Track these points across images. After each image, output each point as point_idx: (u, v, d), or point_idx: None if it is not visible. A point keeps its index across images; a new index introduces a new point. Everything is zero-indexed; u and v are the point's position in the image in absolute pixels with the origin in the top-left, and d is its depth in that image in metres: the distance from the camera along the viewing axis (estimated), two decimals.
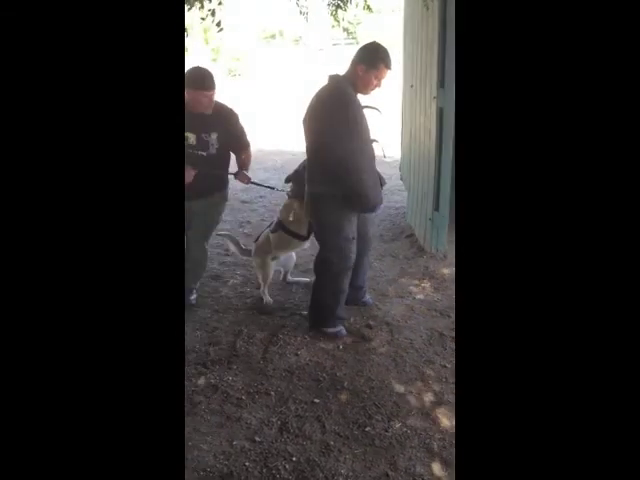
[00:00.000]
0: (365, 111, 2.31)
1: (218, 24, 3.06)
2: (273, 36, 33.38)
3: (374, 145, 2.38)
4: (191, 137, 2.53)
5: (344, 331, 2.58)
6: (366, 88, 2.29)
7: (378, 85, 2.31)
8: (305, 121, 2.35)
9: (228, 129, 2.64)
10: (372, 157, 2.33)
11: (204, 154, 2.57)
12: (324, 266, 2.47)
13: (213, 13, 3.03)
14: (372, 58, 2.24)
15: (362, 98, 2.33)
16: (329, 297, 2.52)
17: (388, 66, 2.26)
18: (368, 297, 2.87)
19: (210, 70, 2.52)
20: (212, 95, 2.49)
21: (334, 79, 2.31)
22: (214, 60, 24.58)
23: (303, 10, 3.53)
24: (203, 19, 3.04)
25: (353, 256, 2.46)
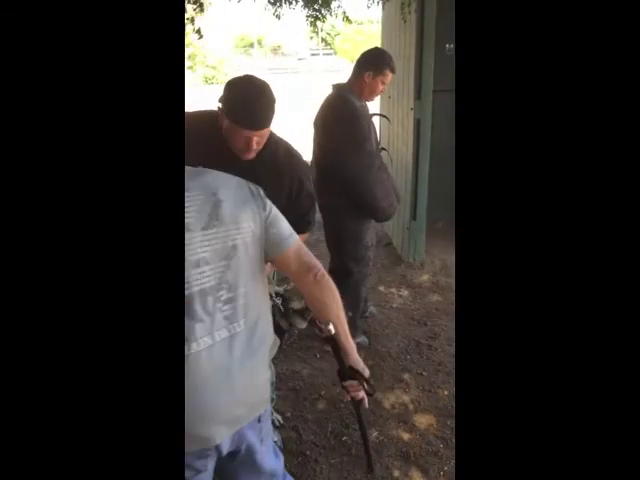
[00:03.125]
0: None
1: (198, 31, 3.03)
2: (251, 44, 33.47)
3: (383, 153, 2.37)
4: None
5: (367, 340, 2.55)
6: (373, 95, 2.28)
7: (383, 90, 2.30)
8: (316, 128, 2.32)
9: (282, 192, 1.54)
10: (382, 167, 2.29)
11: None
12: (344, 275, 2.38)
13: (192, 20, 3.01)
14: (378, 64, 2.22)
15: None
16: (350, 306, 2.48)
17: (393, 70, 2.25)
18: (372, 307, 2.87)
19: (271, 93, 1.41)
20: (264, 135, 1.43)
21: (340, 89, 2.28)
22: (190, 68, 24.47)
23: (280, 14, 3.53)
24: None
25: (370, 263, 2.45)
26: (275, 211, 1.12)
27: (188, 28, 2.97)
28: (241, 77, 1.44)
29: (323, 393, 2.19)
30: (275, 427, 1.96)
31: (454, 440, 1.92)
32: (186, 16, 3.00)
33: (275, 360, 2.40)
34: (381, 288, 3.21)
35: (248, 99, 1.36)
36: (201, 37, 3.05)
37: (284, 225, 1.12)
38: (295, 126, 10.64)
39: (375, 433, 1.95)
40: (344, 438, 1.93)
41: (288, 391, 2.20)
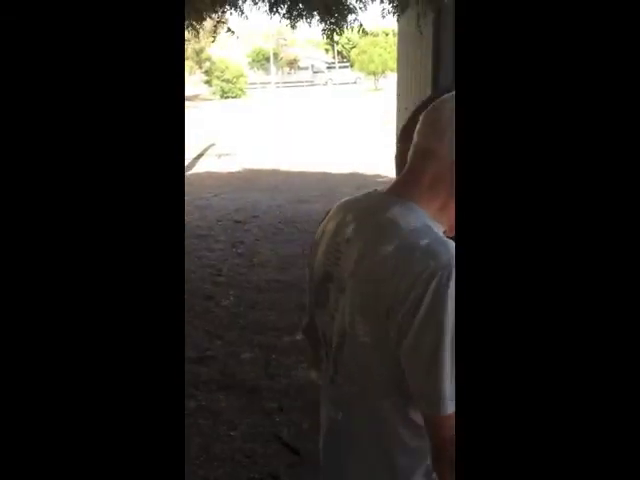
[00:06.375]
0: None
1: (229, 29, 3.08)
2: (267, 58, 33.93)
3: None
4: None
5: None
6: None
7: None
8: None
9: None
10: None
11: None
12: None
13: (224, 21, 3.06)
14: None
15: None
16: None
17: None
18: None
19: None
20: None
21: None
22: (207, 82, 24.92)
23: (295, 25, 3.57)
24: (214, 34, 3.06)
25: None
26: None
27: (201, 42, 3.04)
28: None
29: None
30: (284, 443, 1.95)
31: None
32: (211, 22, 3.06)
33: (292, 371, 2.40)
34: None
35: None
36: (232, 33, 3.10)
37: None
38: (315, 138, 10.73)
39: None
40: None
41: (305, 403, 2.18)
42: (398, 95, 4.14)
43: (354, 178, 6.80)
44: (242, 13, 3.09)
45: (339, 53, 33.49)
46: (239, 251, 4.09)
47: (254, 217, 5.04)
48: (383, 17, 3.60)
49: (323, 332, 0.86)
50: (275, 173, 7.34)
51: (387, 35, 23.50)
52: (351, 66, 29.78)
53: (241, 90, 24.22)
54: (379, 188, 0.86)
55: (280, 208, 5.37)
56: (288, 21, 3.56)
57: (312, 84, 31.31)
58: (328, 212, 0.91)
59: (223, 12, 3.21)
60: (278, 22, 3.64)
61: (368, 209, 0.80)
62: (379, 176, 6.56)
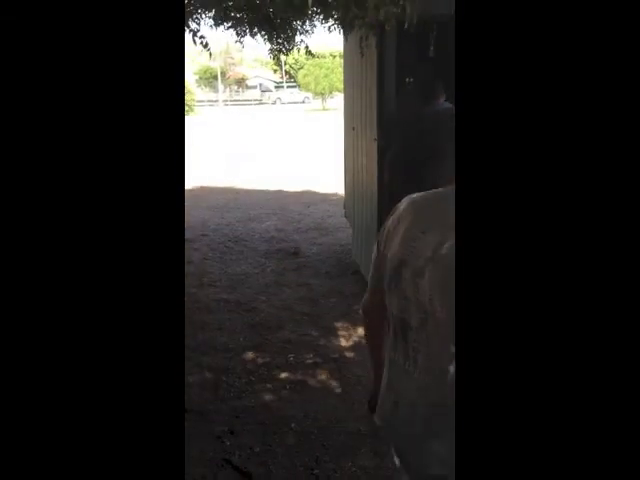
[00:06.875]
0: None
1: (205, 45, 3.04)
2: (215, 76, 33.80)
3: None
4: None
5: None
6: None
7: None
8: None
9: None
10: None
11: None
12: None
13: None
14: None
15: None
16: None
17: None
18: None
19: None
20: None
21: None
22: None
23: (243, 42, 3.58)
24: None
25: None
26: None
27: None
28: None
29: (293, 426, 2.14)
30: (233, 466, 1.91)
31: None
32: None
33: (243, 393, 2.35)
34: (350, 316, 3.21)
35: None
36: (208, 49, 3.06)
37: None
38: (262, 152, 10.73)
39: (348, 464, 1.92)
40: (315, 471, 1.89)
41: (256, 425, 2.14)
42: (345, 115, 4.23)
43: (305, 196, 6.85)
44: (191, 31, 3.07)
45: (287, 73, 33.86)
46: (188, 270, 4.00)
47: (203, 236, 4.95)
48: (330, 31, 3.64)
49: (398, 311, 0.98)
50: (225, 191, 7.26)
51: (334, 57, 24.04)
52: (298, 86, 30.15)
53: (189, 107, 23.99)
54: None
55: (230, 227, 5.32)
56: (236, 39, 3.57)
57: (260, 103, 31.44)
58: (396, 207, 1.04)
59: None
60: (226, 41, 3.64)
61: (438, 203, 0.94)
62: (330, 194, 6.64)
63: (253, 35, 3.54)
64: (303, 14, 3.23)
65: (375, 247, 1.07)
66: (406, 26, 2.15)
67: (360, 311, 1.17)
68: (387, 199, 3.23)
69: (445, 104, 3.20)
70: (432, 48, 2.72)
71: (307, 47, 3.71)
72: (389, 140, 3.15)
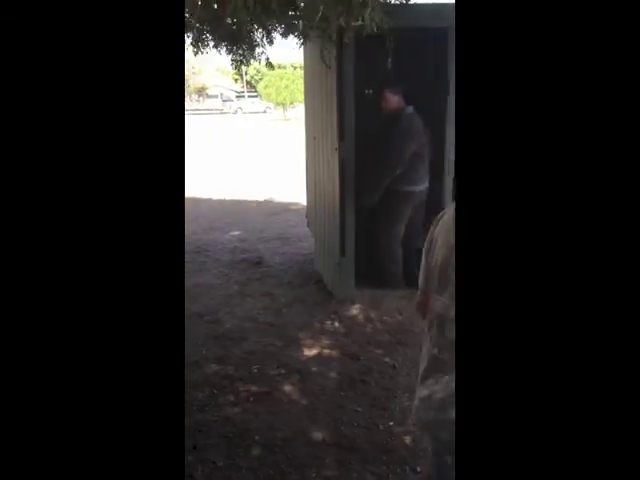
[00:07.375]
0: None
1: None
2: None
3: None
4: None
5: None
6: None
7: None
8: None
9: None
10: None
11: None
12: None
13: None
14: None
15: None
16: None
17: None
18: None
19: None
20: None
21: None
22: None
23: (201, 51, 3.54)
24: None
25: None
26: None
27: None
28: None
29: (257, 438, 2.11)
30: None
31: (390, 476, 1.91)
32: None
33: (206, 406, 2.31)
34: (313, 325, 3.20)
35: None
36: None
37: None
38: (223, 161, 10.63)
39: (313, 475, 1.90)
40: None
41: (219, 438, 2.11)
42: (306, 124, 4.26)
43: (267, 205, 6.82)
44: None
45: (248, 83, 33.78)
46: None
47: None
48: (285, 37, 3.64)
49: (440, 314, 1.22)
50: (187, 201, 7.14)
51: (295, 69, 24.17)
52: (259, 96, 30.11)
53: None
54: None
55: (192, 236, 5.22)
56: (195, 49, 3.53)
57: (222, 112, 31.19)
58: (443, 213, 1.29)
59: None
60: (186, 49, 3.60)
61: None
62: (291, 203, 6.64)
63: (215, 46, 3.51)
64: (265, 24, 3.24)
65: (423, 257, 1.39)
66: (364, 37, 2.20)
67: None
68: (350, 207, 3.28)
69: (408, 108, 3.31)
70: (390, 59, 2.78)
71: (268, 59, 3.71)
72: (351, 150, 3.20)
